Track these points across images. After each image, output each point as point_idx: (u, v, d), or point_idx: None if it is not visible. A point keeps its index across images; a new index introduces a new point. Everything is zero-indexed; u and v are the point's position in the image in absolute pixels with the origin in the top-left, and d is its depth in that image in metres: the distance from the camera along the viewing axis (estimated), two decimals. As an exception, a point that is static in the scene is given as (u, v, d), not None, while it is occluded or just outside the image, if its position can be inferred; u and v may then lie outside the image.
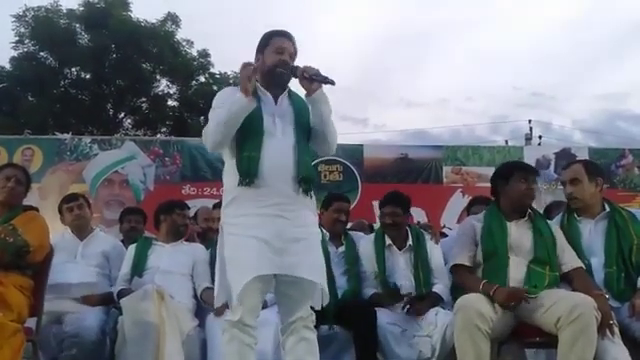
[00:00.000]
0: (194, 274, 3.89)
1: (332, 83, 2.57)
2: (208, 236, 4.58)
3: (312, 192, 2.63)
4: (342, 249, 3.95)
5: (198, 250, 4.04)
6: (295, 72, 2.63)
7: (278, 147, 2.58)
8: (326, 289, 2.58)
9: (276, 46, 2.69)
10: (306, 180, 2.58)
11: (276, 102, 2.69)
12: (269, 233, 2.49)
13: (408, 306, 3.52)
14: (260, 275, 2.45)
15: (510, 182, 3.26)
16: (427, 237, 3.91)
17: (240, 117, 2.54)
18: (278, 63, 2.65)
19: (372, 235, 4.01)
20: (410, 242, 3.82)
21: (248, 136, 2.59)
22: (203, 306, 3.77)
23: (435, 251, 3.83)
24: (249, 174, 2.53)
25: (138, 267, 3.84)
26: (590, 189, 3.29)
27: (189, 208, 4.32)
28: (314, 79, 2.57)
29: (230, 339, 2.49)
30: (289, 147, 2.60)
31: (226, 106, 2.57)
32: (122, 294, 3.63)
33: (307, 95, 2.63)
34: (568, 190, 3.31)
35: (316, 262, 2.58)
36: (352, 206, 7.22)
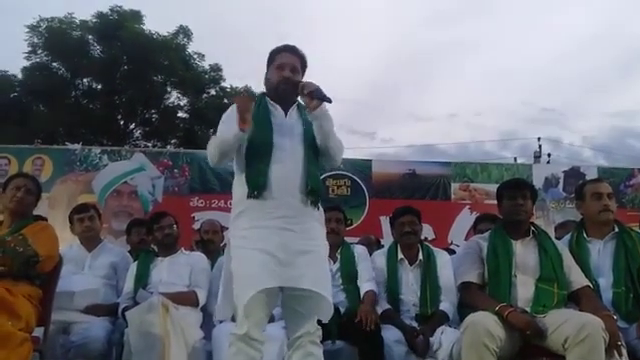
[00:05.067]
0: (191, 280, 3.90)
1: (329, 101, 2.58)
2: (209, 248, 4.59)
3: (319, 204, 2.65)
4: (337, 265, 3.91)
5: (196, 258, 4.06)
6: (297, 88, 2.66)
7: (286, 160, 2.61)
8: (331, 301, 2.57)
9: (278, 63, 2.76)
10: (314, 192, 2.60)
11: (286, 115, 2.73)
12: (275, 246, 2.49)
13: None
14: (265, 288, 2.45)
15: (502, 201, 3.35)
16: (439, 254, 3.90)
17: (235, 145, 2.61)
18: (281, 80, 2.71)
19: (385, 249, 4.01)
20: (421, 258, 3.81)
21: (257, 149, 2.62)
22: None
23: (445, 269, 3.78)
24: (257, 187, 2.56)
25: (141, 282, 3.85)
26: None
27: (168, 214, 4.21)
28: (313, 96, 2.58)
29: (236, 352, 2.48)
30: (297, 160, 2.63)
31: (225, 131, 2.63)
32: (126, 311, 3.60)
33: (308, 111, 2.65)
34: (606, 202, 3.32)
35: (321, 274, 2.56)
36: (359, 221, 7.37)
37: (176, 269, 3.92)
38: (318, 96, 2.57)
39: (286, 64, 2.74)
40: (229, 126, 2.64)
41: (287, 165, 2.60)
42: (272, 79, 2.76)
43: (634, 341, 2.93)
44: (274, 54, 2.79)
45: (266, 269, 2.47)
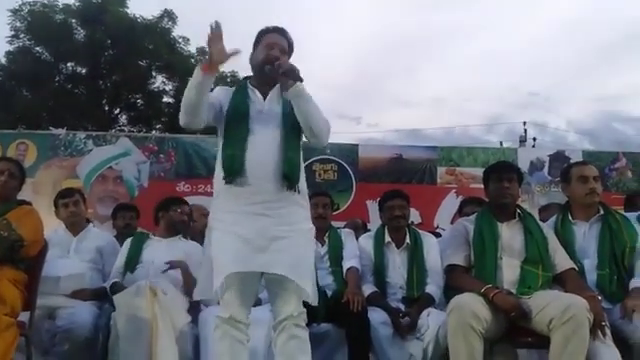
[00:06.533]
0: None
1: (300, 80, 2.53)
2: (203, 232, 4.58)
3: (298, 188, 2.61)
4: (325, 248, 3.93)
5: (192, 248, 4.03)
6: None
7: (262, 145, 2.58)
8: (307, 287, 2.54)
9: (266, 42, 2.71)
10: (289, 177, 2.57)
11: (265, 99, 2.69)
12: (250, 231, 2.50)
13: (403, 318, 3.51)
14: (240, 272, 2.47)
15: (489, 185, 3.37)
16: (425, 237, 3.92)
17: (197, 92, 2.50)
18: (266, 59, 2.65)
19: (372, 232, 4.05)
20: (408, 241, 3.84)
21: (233, 134, 2.61)
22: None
23: (432, 252, 3.81)
24: (232, 172, 2.54)
25: (132, 261, 3.87)
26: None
27: (187, 204, 4.32)
28: (287, 75, 2.54)
29: (222, 335, 2.49)
30: (274, 144, 2.60)
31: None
32: (115, 287, 3.67)
33: (283, 90, 2.62)
34: (592, 185, 3.31)
35: (297, 260, 2.53)
36: (346, 205, 7.38)
37: (172, 252, 3.91)
38: (291, 75, 2.54)
39: (275, 44, 2.69)
40: (210, 100, 2.62)
41: (263, 150, 2.58)
42: (258, 57, 2.69)
43: (618, 321, 2.95)
44: (262, 34, 2.75)
45: (239, 254, 2.47)
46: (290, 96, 2.56)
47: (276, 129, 2.63)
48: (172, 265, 3.73)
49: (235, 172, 2.54)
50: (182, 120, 2.60)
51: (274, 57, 2.63)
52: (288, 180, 2.57)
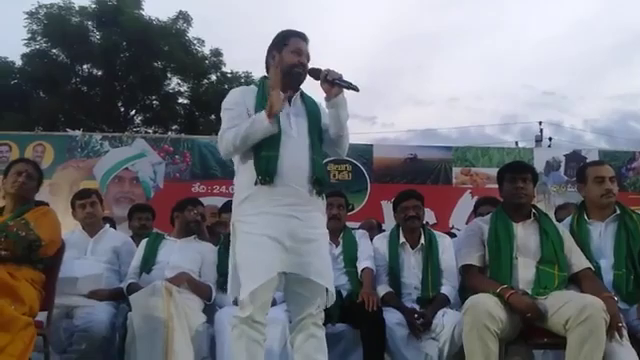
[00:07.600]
0: (201, 273, 3.92)
1: (356, 89, 2.57)
2: (215, 231, 4.60)
3: (324, 194, 2.67)
4: (340, 249, 3.93)
5: (207, 249, 4.06)
6: (317, 74, 2.63)
7: (295, 147, 2.61)
8: (333, 290, 2.61)
9: (295, 47, 2.72)
10: (320, 181, 2.62)
11: (290, 103, 2.70)
12: (281, 232, 2.51)
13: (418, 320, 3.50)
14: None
15: (503, 184, 3.35)
16: (440, 237, 3.91)
17: (259, 138, 2.57)
18: (297, 64, 2.68)
19: (387, 232, 4.04)
20: (423, 241, 3.83)
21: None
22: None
23: (447, 252, 3.80)
24: (268, 173, 2.54)
25: (148, 261, 3.89)
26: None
27: (202, 205, 4.34)
28: (337, 83, 2.57)
29: (239, 335, 2.50)
30: (305, 147, 2.64)
31: (248, 123, 2.58)
32: (131, 288, 3.68)
33: (327, 98, 2.63)
34: (608, 186, 3.29)
35: (325, 264, 2.61)
36: (361, 206, 7.38)
37: (187, 253, 3.95)
38: (342, 84, 2.57)
39: (302, 51, 2.72)
40: (238, 114, 2.64)
41: (295, 153, 2.60)
42: (287, 62, 2.70)
43: (635, 322, 2.94)
44: (287, 37, 2.75)
45: (274, 255, 2.49)
46: (335, 104, 2.62)
47: (304, 132, 2.67)
48: (173, 282, 3.63)
49: (270, 173, 2.55)
50: (230, 153, 2.66)
51: (303, 64, 2.68)
52: (320, 185, 2.62)
